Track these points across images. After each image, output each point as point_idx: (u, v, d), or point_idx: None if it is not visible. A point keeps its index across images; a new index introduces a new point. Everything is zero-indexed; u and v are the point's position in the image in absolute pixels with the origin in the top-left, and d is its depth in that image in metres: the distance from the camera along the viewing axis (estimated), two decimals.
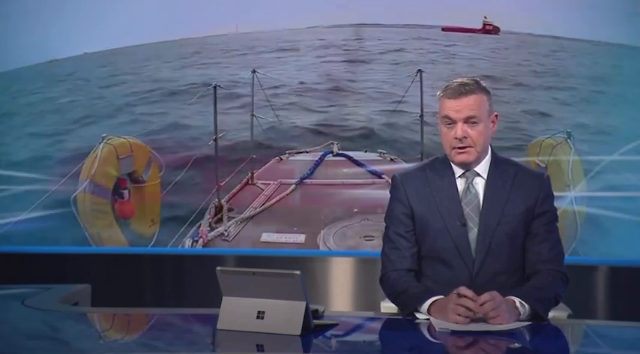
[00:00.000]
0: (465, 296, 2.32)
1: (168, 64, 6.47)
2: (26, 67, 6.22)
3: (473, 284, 2.50)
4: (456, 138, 2.56)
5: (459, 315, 2.30)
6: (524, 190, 2.62)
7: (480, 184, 2.63)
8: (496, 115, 2.64)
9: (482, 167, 2.64)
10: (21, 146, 6.06)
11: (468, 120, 2.55)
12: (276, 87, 6.23)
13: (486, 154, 2.65)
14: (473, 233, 2.59)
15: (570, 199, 5.62)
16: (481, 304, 2.31)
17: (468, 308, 2.30)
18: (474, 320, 2.32)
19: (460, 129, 2.56)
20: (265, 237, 5.74)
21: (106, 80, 6.39)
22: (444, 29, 6.26)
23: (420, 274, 2.66)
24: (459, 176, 2.64)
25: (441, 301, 2.40)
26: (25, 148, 6.05)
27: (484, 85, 2.62)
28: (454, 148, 2.58)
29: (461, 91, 2.56)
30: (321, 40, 6.49)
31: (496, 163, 2.65)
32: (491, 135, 2.64)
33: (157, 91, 6.29)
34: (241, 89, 6.22)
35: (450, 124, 2.58)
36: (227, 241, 5.78)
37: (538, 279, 2.55)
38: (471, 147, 2.57)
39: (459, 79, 2.61)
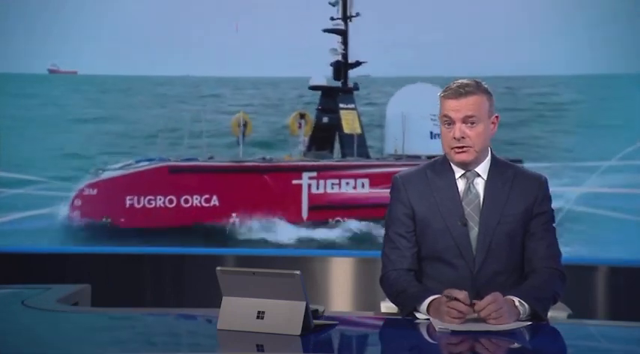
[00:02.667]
0: (456, 299, 2.32)
1: None
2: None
3: (474, 284, 2.52)
4: (454, 138, 2.57)
5: (453, 317, 2.31)
6: (523, 191, 2.63)
7: (480, 185, 2.64)
8: (497, 117, 2.64)
9: (483, 168, 2.65)
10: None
11: (466, 120, 2.56)
12: None
13: (486, 155, 2.65)
14: (474, 233, 2.59)
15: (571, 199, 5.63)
16: (482, 307, 2.31)
17: (460, 311, 2.31)
18: (474, 320, 2.32)
19: (458, 129, 2.56)
20: None
21: None
22: None
23: (421, 274, 2.67)
24: (460, 176, 2.65)
25: (437, 301, 2.41)
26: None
27: (485, 86, 2.62)
28: (452, 147, 2.59)
29: (460, 91, 2.57)
30: None
31: (495, 165, 2.66)
32: (490, 136, 2.64)
33: None
34: None
35: (449, 124, 2.58)
36: None
37: (536, 278, 2.56)
38: (469, 147, 2.58)
39: (460, 81, 2.61)
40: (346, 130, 6.37)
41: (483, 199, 2.61)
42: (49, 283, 3.10)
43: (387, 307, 2.82)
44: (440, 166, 2.68)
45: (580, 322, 2.62)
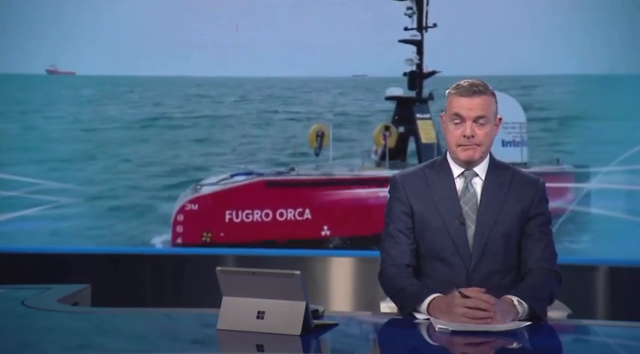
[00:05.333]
0: (481, 299, 2.30)
1: None
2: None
3: (469, 282, 2.54)
4: (464, 136, 2.58)
5: (468, 317, 2.30)
6: (520, 193, 2.65)
7: (478, 184, 2.66)
8: (500, 119, 2.66)
9: (481, 168, 2.66)
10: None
11: (477, 119, 2.58)
12: None
13: (486, 155, 2.67)
14: (471, 231, 2.62)
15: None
16: (478, 297, 2.31)
17: (481, 309, 2.30)
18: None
19: (469, 127, 2.58)
20: None
21: None
22: None
23: (419, 273, 2.68)
24: (458, 176, 2.66)
25: (440, 300, 2.41)
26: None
27: (491, 88, 2.64)
28: (460, 145, 2.60)
29: (474, 90, 2.59)
30: None
31: (494, 166, 2.68)
32: (494, 137, 2.66)
33: None
34: None
35: (458, 122, 2.59)
36: None
37: (532, 278, 2.57)
38: (477, 145, 2.59)
39: (469, 80, 2.63)
40: (424, 139, 6.49)
41: (481, 198, 2.63)
42: (49, 283, 3.10)
43: (387, 307, 2.82)
44: (439, 166, 2.70)
45: (580, 322, 2.62)
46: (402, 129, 6.49)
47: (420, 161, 6.42)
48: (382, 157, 6.39)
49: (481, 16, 6.11)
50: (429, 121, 6.48)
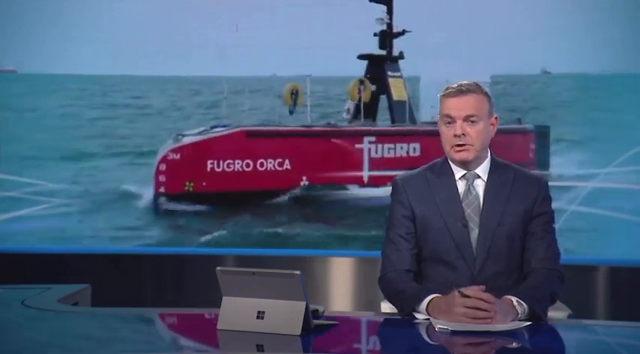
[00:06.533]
0: (481, 299, 2.30)
1: None
2: None
3: (474, 284, 2.51)
4: (456, 135, 2.58)
5: (468, 317, 2.30)
6: (523, 193, 2.64)
7: (480, 186, 2.65)
8: (496, 118, 2.66)
9: (482, 169, 2.66)
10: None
11: (467, 118, 2.58)
12: None
13: (486, 155, 2.67)
14: (474, 234, 2.60)
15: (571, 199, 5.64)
16: (478, 296, 2.31)
17: (481, 309, 2.30)
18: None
19: (459, 127, 2.58)
20: None
21: None
22: None
23: (422, 276, 2.68)
24: (460, 178, 2.66)
25: (439, 300, 2.41)
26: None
27: (484, 88, 2.64)
28: (453, 146, 2.60)
29: (462, 90, 2.59)
30: None
31: (495, 166, 2.68)
32: (490, 136, 2.65)
33: None
34: None
35: (449, 122, 2.60)
36: None
37: (534, 278, 2.57)
38: (470, 145, 2.59)
39: (459, 81, 2.63)
40: (396, 97, 6.58)
41: (483, 200, 2.62)
42: (49, 283, 3.10)
43: (388, 307, 2.82)
44: (440, 168, 2.69)
45: (580, 322, 2.62)
46: (373, 87, 6.57)
47: (393, 118, 6.51)
48: (355, 116, 6.46)
49: (482, 17, 6.11)
50: (400, 80, 6.57)
